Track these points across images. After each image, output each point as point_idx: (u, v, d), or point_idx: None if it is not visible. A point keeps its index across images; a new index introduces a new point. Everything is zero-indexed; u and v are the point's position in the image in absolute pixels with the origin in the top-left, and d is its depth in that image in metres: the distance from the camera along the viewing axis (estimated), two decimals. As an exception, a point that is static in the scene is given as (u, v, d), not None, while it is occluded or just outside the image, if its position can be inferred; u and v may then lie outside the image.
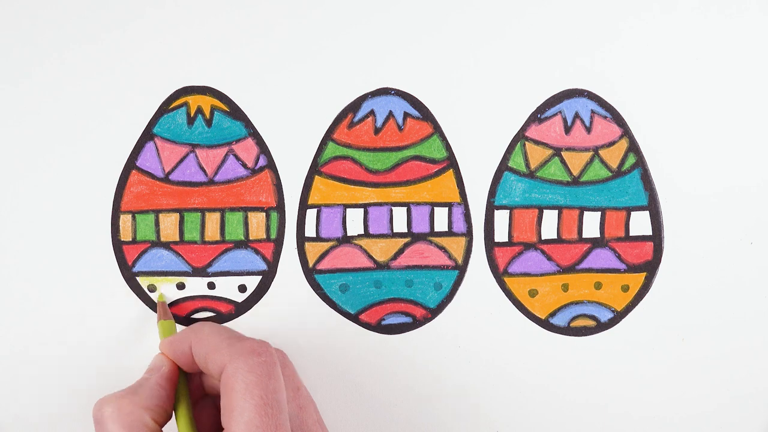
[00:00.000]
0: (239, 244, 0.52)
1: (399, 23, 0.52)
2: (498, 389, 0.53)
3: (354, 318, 0.53)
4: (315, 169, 0.52)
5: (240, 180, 0.52)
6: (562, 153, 0.53)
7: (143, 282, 0.52)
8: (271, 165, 0.52)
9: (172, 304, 0.52)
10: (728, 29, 0.52)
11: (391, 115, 0.52)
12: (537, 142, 0.53)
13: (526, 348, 0.53)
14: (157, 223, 0.52)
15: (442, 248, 0.53)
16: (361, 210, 0.52)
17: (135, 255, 0.52)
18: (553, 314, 0.53)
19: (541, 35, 0.52)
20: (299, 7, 0.52)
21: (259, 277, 0.52)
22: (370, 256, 0.53)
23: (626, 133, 0.53)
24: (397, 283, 0.53)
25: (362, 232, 0.52)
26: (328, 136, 0.52)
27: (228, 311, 0.52)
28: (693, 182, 0.53)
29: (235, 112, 0.52)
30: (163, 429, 0.45)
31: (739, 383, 0.54)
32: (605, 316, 0.53)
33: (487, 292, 0.53)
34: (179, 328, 0.51)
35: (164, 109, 0.52)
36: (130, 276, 0.52)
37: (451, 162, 0.53)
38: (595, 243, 0.53)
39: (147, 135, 0.52)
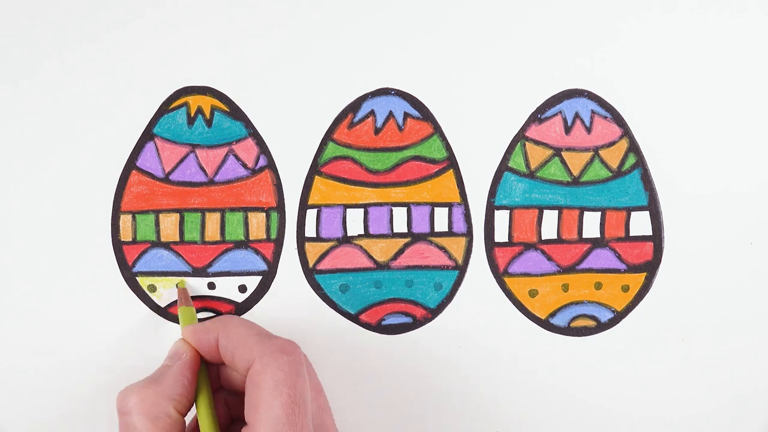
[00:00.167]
0: (239, 245, 0.52)
1: (399, 23, 0.52)
2: (498, 389, 0.53)
3: (354, 318, 0.53)
4: (315, 169, 0.52)
5: (240, 180, 0.52)
6: (562, 153, 0.53)
7: (143, 282, 0.52)
8: (271, 165, 0.52)
9: (171, 305, 0.52)
10: (728, 29, 0.52)
11: (391, 115, 0.52)
12: (537, 142, 0.53)
13: (526, 348, 0.53)
14: (157, 224, 0.52)
15: (442, 248, 0.53)
16: (361, 210, 0.52)
17: (135, 255, 0.52)
18: (553, 314, 0.53)
19: (541, 35, 0.52)
20: (299, 7, 0.52)
21: (259, 278, 0.52)
22: (370, 257, 0.53)
23: (626, 133, 0.53)
24: (397, 283, 0.53)
25: (362, 233, 0.52)
26: (328, 136, 0.52)
27: (228, 311, 0.52)
28: (693, 182, 0.53)
29: (235, 112, 0.52)
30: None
31: (739, 383, 0.54)
32: (605, 316, 0.53)
33: (487, 292, 0.53)
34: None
35: (164, 109, 0.52)
36: (130, 276, 0.52)
37: (451, 162, 0.53)
38: (596, 243, 0.53)
39: (147, 135, 0.52)
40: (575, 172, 0.53)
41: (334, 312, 0.53)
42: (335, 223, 0.52)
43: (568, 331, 0.53)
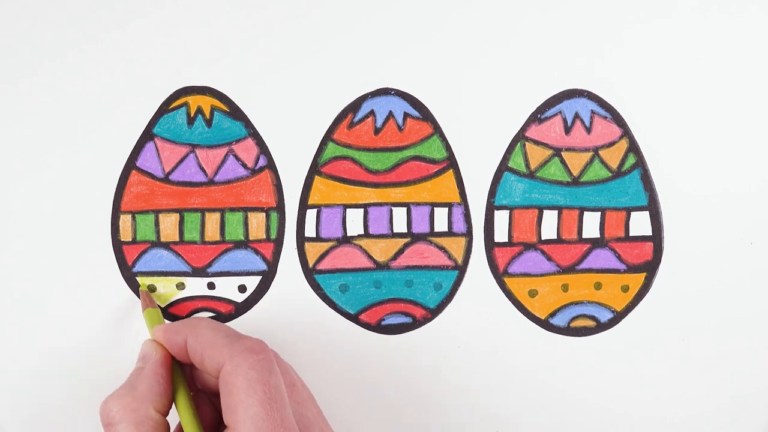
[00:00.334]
0: (239, 245, 0.52)
1: (399, 23, 0.52)
2: (498, 389, 0.53)
3: (354, 318, 0.53)
4: (315, 169, 0.52)
5: (240, 180, 0.52)
6: (562, 153, 0.53)
7: (143, 282, 0.52)
8: (271, 165, 0.52)
9: (171, 305, 0.52)
10: (728, 29, 0.52)
11: (391, 115, 0.52)
12: (537, 143, 0.53)
13: (526, 348, 0.53)
14: (157, 224, 0.52)
15: (442, 248, 0.53)
16: (361, 210, 0.52)
17: (135, 255, 0.52)
18: (553, 314, 0.53)
19: (541, 35, 0.52)
20: (299, 7, 0.52)
21: (259, 277, 0.52)
22: (370, 257, 0.53)
23: (626, 133, 0.53)
24: (397, 283, 0.53)
25: (362, 233, 0.52)
26: (328, 136, 0.52)
27: (228, 311, 0.52)
28: (693, 182, 0.53)
29: (235, 112, 0.52)
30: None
31: (739, 383, 0.54)
32: (605, 316, 0.53)
33: (487, 292, 0.53)
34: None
35: (164, 109, 0.52)
36: (130, 276, 0.52)
37: (451, 162, 0.53)
38: (595, 243, 0.53)
39: (147, 135, 0.52)
40: (575, 172, 0.53)
41: (333, 312, 0.53)
42: (335, 223, 0.52)
43: (567, 331, 0.53)
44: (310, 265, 0.53)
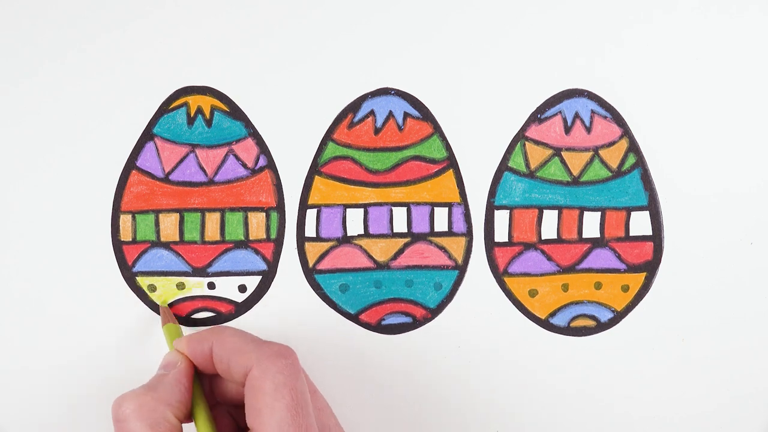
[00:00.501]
0: (239, 244, 0.52)
1: (399, 23, 0.52)
2: (498, 389, 0.53)
3: (354, 318, 0.53)
4: (315, 169, 0.52)
5: (240, 180, 0.52)
6: (562, 153, 0.53)
7: (143, 282, 0.52)
8: (271, 165, 0.52)
9: (171, 305, 0.52)
10: (728, 29, 0.52)
11: (391, 115, 0.52)
12: (537, 142, 0.53)
13: (526, 348, 0.53)
14: (157, 223, 0.52)
15: (442, 248, 0.53)
16: (361, 210, 0.52)
17: (135, 255, 0.52)
18: (553, 314, 0.53)
19: (542, 35, 0.52)
20: (299, 7, 0.52)
21: (259, 277, 0.52)
22: (370, 256, 0.53)
23: (626, 133, 0.53)
24: (397, 283, 0.53)
25: (362, 232, 0.52)
26: (328, 136, 0.52)
27: (228, 311, 0.52)
28: (693, 182, 0.53)
29: (235, 112, 0.52)
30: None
31: (739, 383, 0.54)
32: (605, 316, 0.53)
33: (487, 292, 0.53)
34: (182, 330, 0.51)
35: (164, 109, 0.52)
36: (130, 276, 0.52)
37: (451, 162, 0.53)
38: (595, 243, 0.53)
39: (147, 135, 0.52)
40: (575, 172, 0.53)
41: (333, 312, 0.53)
42: (335, 223, 0.52)
43: (567, 331, 0.53)
44: (310, 265, 0.53)
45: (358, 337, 0.53)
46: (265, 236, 0.52)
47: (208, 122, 0.52)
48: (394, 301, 0.53)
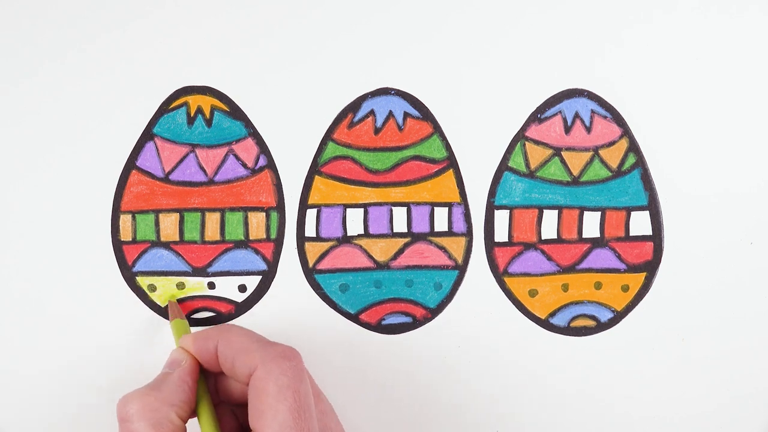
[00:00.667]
0: (239, 244, 0.52)
1: (399, 23, 0.52)
2: (498, 389, 0.53)
3: (354, 318, 0.53)
4: (315, 169, 0.52)
5: (240, 180, 0.52)
6: (562, 153, 0.53)
7: (143, 282, 0.52)
8: (271, 165, 0.52)
9: (172, 304, 0.52)
10: (728, 29, 0.52)
11: (391, 115, 0.52)
12: (537, 142, 0.53)
13: (526, 348, 0.53)
14: (157, 223, 0.52)
15: (442, 248, 0.53)
16: (361, 210, 0.52)
17: (135, 255, 0.52)
18: (553, 314, 0.53)
19: (542, 35, 0.52)
20: (299, 7, 0.52)
21: (259, 277, 0.52)
22: (370, 256, 0.53)
23: (626, 133, 0.53)
24: (397, 283, 0.53)
25: (362, 232, 0.52)
26: (328, 136, 0.52)
27: (228, 311, 0.52)
28: (693, 182, 0.53)
29: (235, 112, 0.52)
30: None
31: (739, 383, 0.54)
32: (605, 316, 0.53)
33: (487, 292, 0.53)
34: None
35: (164, 109, 0.52)
36: (130, 276, 0.52)
37: (451, 162, 0.53)
38: (595, 243, 0.53)
39: (147, 135, 0.52)
40: (575, 172, 0.53)
41: (334, 312, 0.53)
42: (335, 222, 0.52)
43: (567, 330, 0.53)
44: (310, 264, 0.53)
45: (358, 337, 0.53)
46: (265, 236, 0.52)
47: (208, 122, 0.52)
48: (394, 301, 0.53)
